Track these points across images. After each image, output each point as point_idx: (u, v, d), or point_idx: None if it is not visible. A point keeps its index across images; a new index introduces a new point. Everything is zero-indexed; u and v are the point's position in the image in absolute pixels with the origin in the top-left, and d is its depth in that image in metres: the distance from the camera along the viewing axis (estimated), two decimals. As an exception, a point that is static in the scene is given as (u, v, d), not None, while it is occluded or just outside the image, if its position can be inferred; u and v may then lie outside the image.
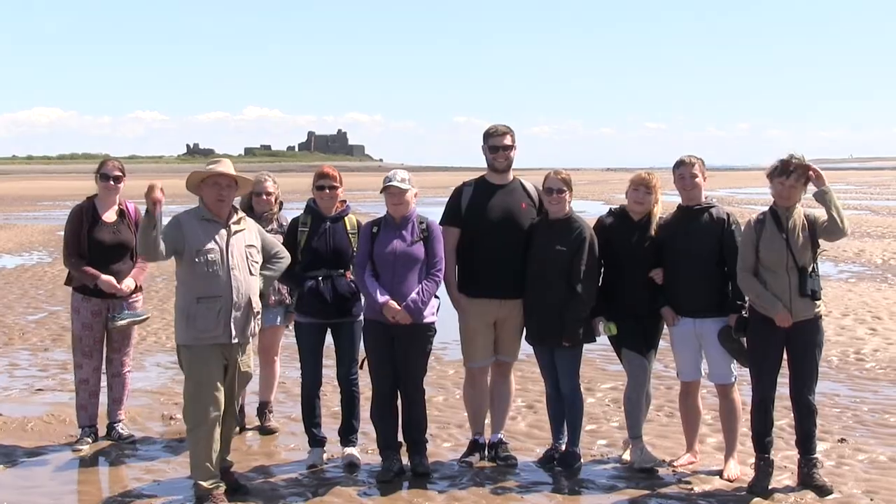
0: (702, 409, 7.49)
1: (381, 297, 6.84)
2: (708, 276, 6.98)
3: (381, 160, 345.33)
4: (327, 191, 7.32)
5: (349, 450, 7.38)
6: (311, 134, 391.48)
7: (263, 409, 8.35)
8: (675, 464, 7.27)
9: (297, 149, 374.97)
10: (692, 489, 6.84)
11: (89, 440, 7.90)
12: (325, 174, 7.38)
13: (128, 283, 7.85)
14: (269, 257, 6.77)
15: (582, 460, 7.32)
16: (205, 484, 6.42)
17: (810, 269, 6.62)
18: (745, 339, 6.86)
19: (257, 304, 6.58)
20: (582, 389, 7.50)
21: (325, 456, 7.45)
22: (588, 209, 26.20)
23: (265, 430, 8.24)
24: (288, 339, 8.67)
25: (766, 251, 6.65)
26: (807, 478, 6.75)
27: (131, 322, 7.95)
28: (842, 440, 7.94)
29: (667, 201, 7.40)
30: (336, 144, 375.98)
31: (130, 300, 7.94)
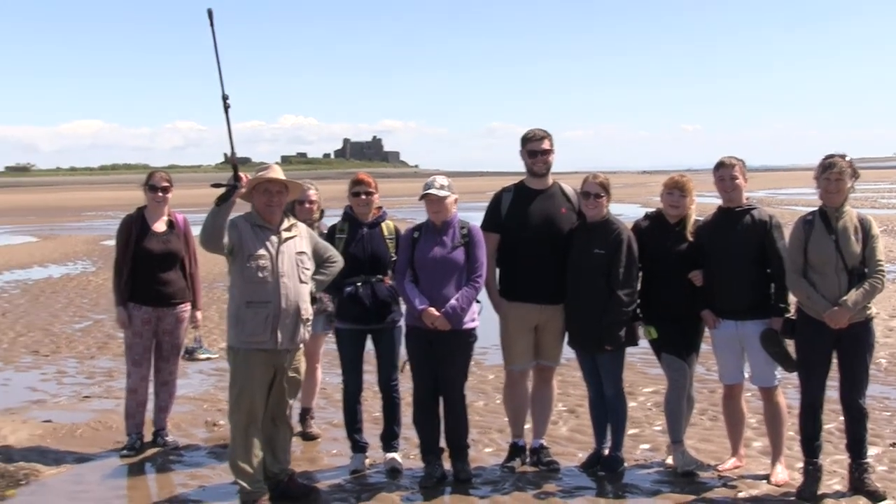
0: (746, 412, 7.43)
1: (421, 304, 6.86)
2: (749, 278, 6.93)
3: (416, 166, 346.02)
4: (363, 197, 7.36)
5: (391, 455, 7.41)
6: (346, 141, 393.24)
7: (305, 415, 8.41)
8: (720, 468, 7.21)
9: (332, 156, 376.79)
10: (738, 494, 6.77)
11: (136, 447, 8.00)
12: (361, 181, 7.43)
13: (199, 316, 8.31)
14: (321, 262, 6.81)
15: (625, 464, 7.29)
16: (248, 488, 6.47)
17: (861, 270, 6.52)
18: (791, 341, 6.79)
19: (307, 311, 6.61)
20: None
21: (367, 461, 7.48)
22: (625, 212, 26.01)
23: (307, 436, 8.29)
24: (329, 346, 8.72)
25: (815, 252, 6.56)
26: (858, 483, 6.65)
27: (207, 359, 8.19)
28: (894, 444, 7.84)
29: (707, 203, 7.36)
30: (371, 151, 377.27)
31: (178, 310, 8.08)
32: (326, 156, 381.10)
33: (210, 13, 6.32)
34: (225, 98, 6.38)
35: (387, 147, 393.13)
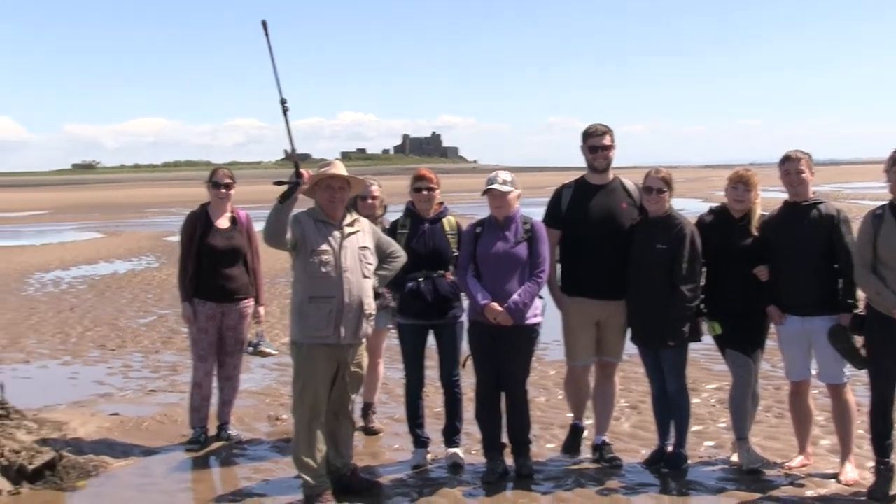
0: (814, 409, 7.31)
1: (483, 299, 6.84)
2: (817, 273, 6.80)
3: (475, 161, 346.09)
4: (424, 192, 7.37)
5: (453, 450, 7.41)
6: (405, 137, 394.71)
7: (367, 410, 8.45)
8: (787, 466, 7.10)
9: (391, 152, 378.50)
10: (806, 493, 6.67)
11: (201, 440, 8.11)
12: (422, 176, 7.43)
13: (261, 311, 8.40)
14: (384, 257, 6.83)
15: (689, 461, 7.23)
16: (312, 482, 6.52)
17: None
18: (859, 338, 6.65)
19: (370, 306, 6.63)
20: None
21: (428, 456, 7.49)
22: (686, 207, 25.78)
23: (369, 431, 8.33)
24: (391, 341, 8.75)
25: (885, 247, 6.41)
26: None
27: (268, 354, 8.30)
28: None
29: (771, 198, 7.25)
30: (430, 147, 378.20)
31: (241, 305, 8.17)
32: (386, 152, 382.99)
33: (264, 24, 6.38)
34: (283, 102, 6.44)
35: (446, 142, 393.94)
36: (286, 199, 6.28)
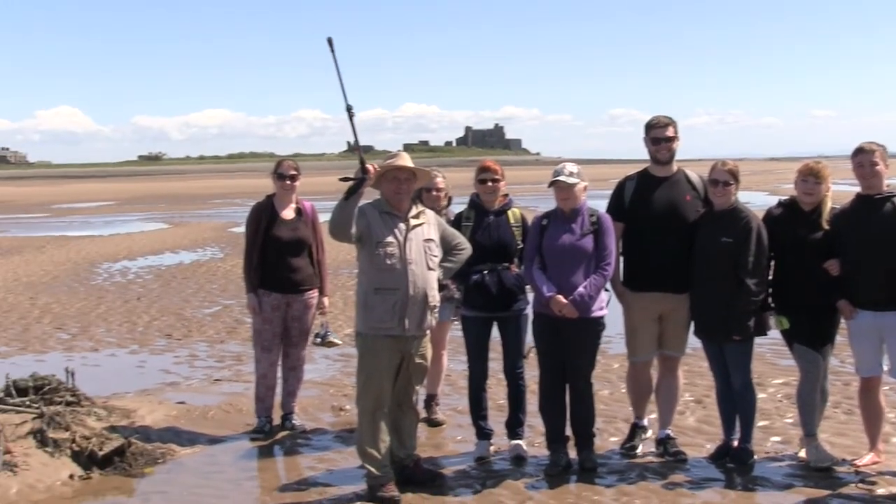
0: (884, 406, 7.17)
1: (548, 291, 6.82)
2: (890, 267, 6.67)
3: (538, 154, 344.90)
4: (489, 184, 7.35)
5: (516, 442, 7.41)
6: (468, 129, 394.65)
7: (430, 401, 8.46)
8: (856, 463, 6.98)
9: (454, 144, 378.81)
10: (877, 490, 6.55)
11: (266, 430, 8.19)
12: (487, 167, 7.41)
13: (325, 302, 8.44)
14: (449, 249, 6.83)
15: (755, 457, 7.14)
16: (376, 472, 6.55)
17: None
18: None
19: (434, 298, 6.64)
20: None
21: (492, 448, 7.49)
22: (753, 200, 25.44)
23: (432, 423, 8.35)
24: (454, 333, 8.76)
25: None
26: None
27: (333, 345, 8.38)
28: None
29: (842, 191, 7.12)
30: (493, 139, 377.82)
31: (306, 296, 8.22)
32: (448, 144, 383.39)
33: (330, 42, 6.45)
34: (349, 108, 6.52)
35: (508, 134, 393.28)
36: (352, 194, 6.30)
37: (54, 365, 10.43)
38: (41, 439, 7.40)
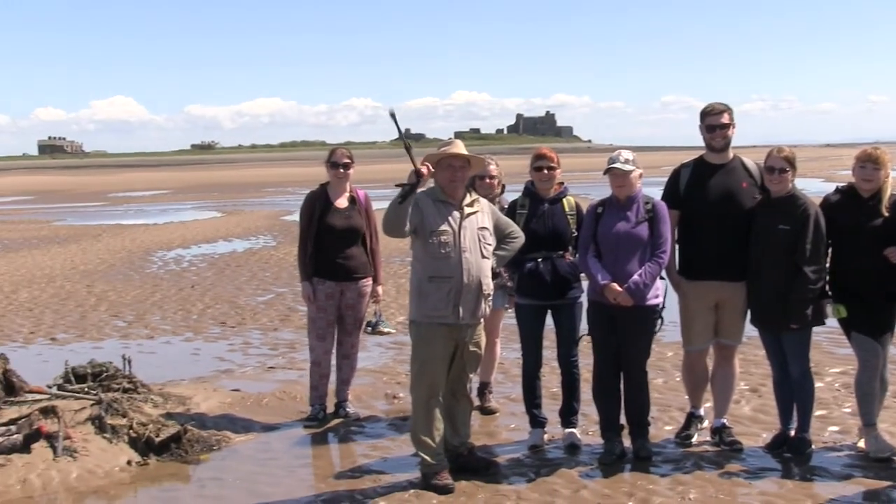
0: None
1: (603, 279, 6.78)
2: (953, 254, 6.53)
3: (589, 141, 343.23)
4: (545, 171, 7.30)
5: (570, 431, 7.39)
6: (519, 116, 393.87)
7: (483, 389, 8.46)
8: (916, 453, 6.87)
9: (505, 131, 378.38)
10: (936, 481, 6.44)
11: (319, 417, 8.24)
12: (543, 155, 7.37)
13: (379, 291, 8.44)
14: (502, 237, 6.81)
15: (813, 447, 7.05)
16: (430, 461, 6.56)
17: None
18: None
19: (488, 287, 6.62)
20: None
21: (545, 437, 7.47)
22: (807, 187, 25.11)
23: (485, 411, 8.34)
24: (507, 321, 8.74)
25: None
26: None
27: (386, 333, 8.41)
28: None
29: (902, 177, 6.98)
30: (544, 126, 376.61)
31: (360, 284, 8.24)
32: (499, 131, 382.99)
33: (393, 115, 6.57)
34: (407, 147, 6.58)
35: (560, 122, 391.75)
36: (405, 198, 6.31)
37: (111, 352, 10.60)
38: (99, 425, 7.52)
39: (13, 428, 7.22)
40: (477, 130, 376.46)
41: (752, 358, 9.40)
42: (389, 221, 6.39)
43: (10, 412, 7.66)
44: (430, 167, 6.42)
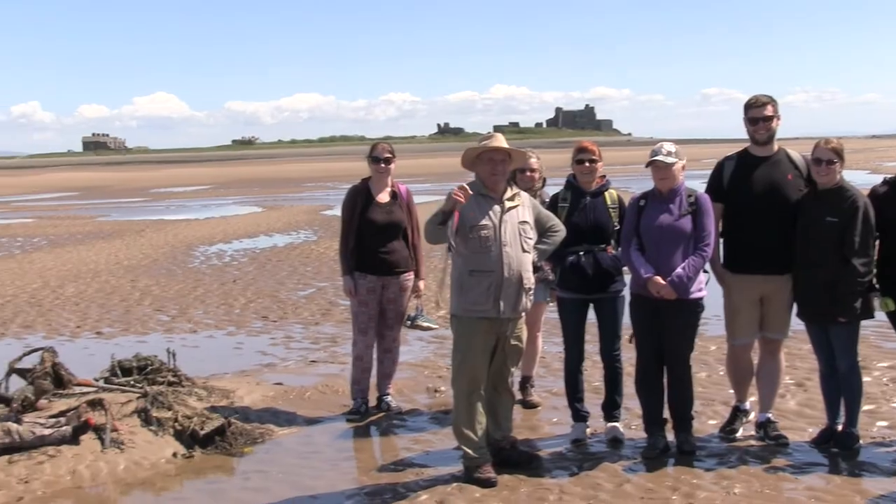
0: None
1: (646, 272, 6.74)
2: None
3: (629, 134, 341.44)
4: (587, 164, 7.27)
5: (612, 425, 7.35)
6: (558, 110, 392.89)
7: (525, 383, 8.44)
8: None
9: (544, 125, 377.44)
10: None
11: (362, 411, 8.27)
12: (584, 148, 7.33)
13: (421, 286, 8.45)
14: (543, 231, 6.79)
15: (861, 442, 6.96)
16: (472, 454, 6.56)
17: None
18: None
19: (529, 281, 6.60)
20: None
21: (588, 431, 7.45)
22: (853, 178, 24.82)
23: (527, 405, 8.33)
24: (549, 315, 8.72)
25: None
26: None
27: (428, 328, 8.39)
28: None
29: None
30: (583, 119, 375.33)
31: (401, 279, 8.26)
32: (538, 125, 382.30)
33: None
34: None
35: (599, 115, 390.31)
36: (444, 223, 6.33)
37: (155, 346, 10.72)
38: (145, 418, 7.60)
39: (62, 420, 7.32)
40: (516, 124, 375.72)
41: (795, 352, 9.31)
42: (429, 237, 6.47)
43: (60, 404, 7.77)
44: (468, 192, 6.38)
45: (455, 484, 6.51)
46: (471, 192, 6.39)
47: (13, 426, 7.10)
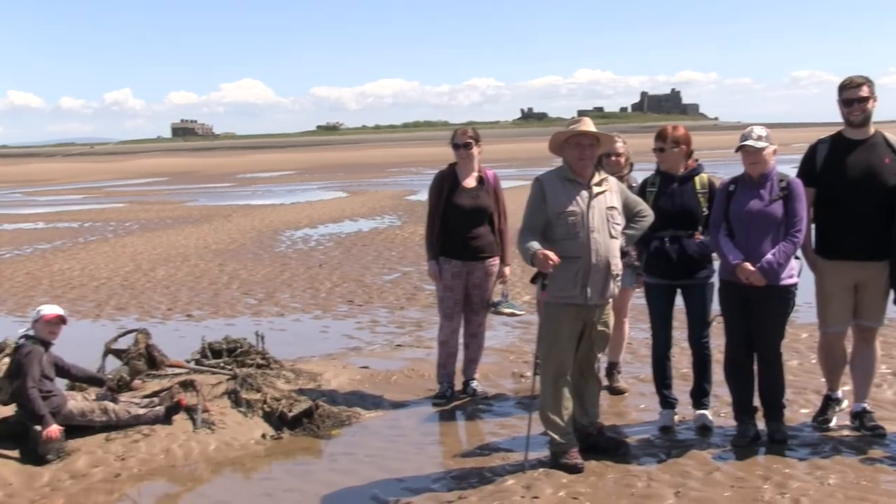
0: None
1: (735, 258, 6.62)
2: None
3: (716, 118, 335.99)
4: (662, 152, 7.15)
5: (701, 412, 7.26)
6: (643, 94, 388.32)
7: (612, 369, 8.38)
8: None
9: (629, 110, 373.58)
10: None
11: (447, 395, 8.30)
12: (658, 135, 7.24)
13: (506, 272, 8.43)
14: (631, 216, 6.73)
15: (961, 433, 6.77)
16: (559, 439, 6.54)
17: None
18: None
19: (617, 267, 6.54)
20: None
21: (676, 418, 7.37)
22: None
23: (614, 391, 8.27)
24: (636, 300, 8.63)
25: None
26: None
27: (512, 314, 8.37)
28: None
29: None
30: (669, 104, 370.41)
31: (487, 264, 8.24)
32: (623, 110, 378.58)
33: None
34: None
35: (685, 99, 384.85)
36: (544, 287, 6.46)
37: (243, 329, 10.90)
38: (235, 400, 7.73)
39: (156, 400, 7.50)
40: (600, 109, 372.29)
41: (891, 340, 9.10)
42: (522, 255, 6.58)
43: (153, 385, 7.96)
44: (556, 261, 6.35)
45: (542, 469, 6.48)
46: (559, 261, 6.36)
47: (110, 405, 7.30)
